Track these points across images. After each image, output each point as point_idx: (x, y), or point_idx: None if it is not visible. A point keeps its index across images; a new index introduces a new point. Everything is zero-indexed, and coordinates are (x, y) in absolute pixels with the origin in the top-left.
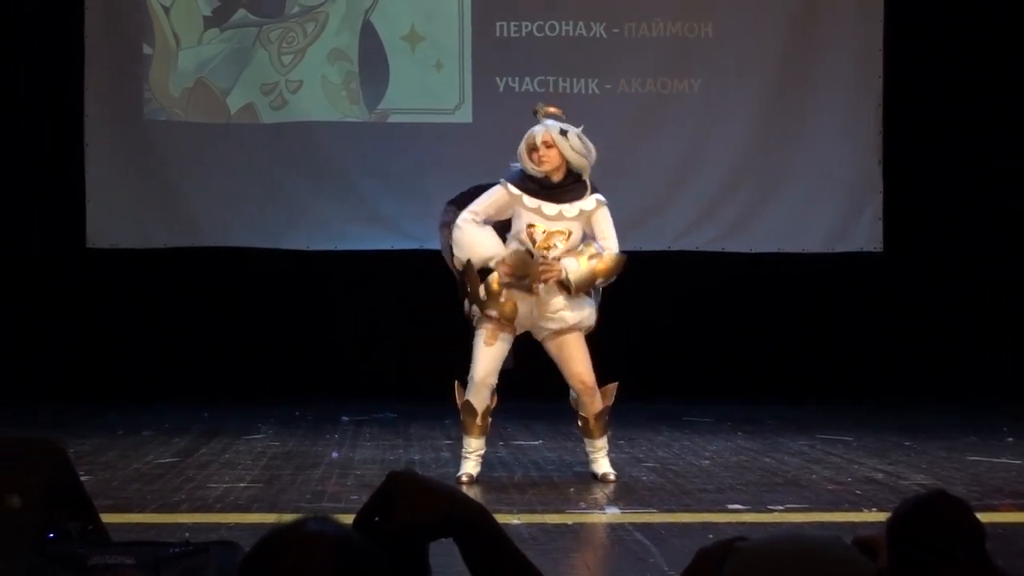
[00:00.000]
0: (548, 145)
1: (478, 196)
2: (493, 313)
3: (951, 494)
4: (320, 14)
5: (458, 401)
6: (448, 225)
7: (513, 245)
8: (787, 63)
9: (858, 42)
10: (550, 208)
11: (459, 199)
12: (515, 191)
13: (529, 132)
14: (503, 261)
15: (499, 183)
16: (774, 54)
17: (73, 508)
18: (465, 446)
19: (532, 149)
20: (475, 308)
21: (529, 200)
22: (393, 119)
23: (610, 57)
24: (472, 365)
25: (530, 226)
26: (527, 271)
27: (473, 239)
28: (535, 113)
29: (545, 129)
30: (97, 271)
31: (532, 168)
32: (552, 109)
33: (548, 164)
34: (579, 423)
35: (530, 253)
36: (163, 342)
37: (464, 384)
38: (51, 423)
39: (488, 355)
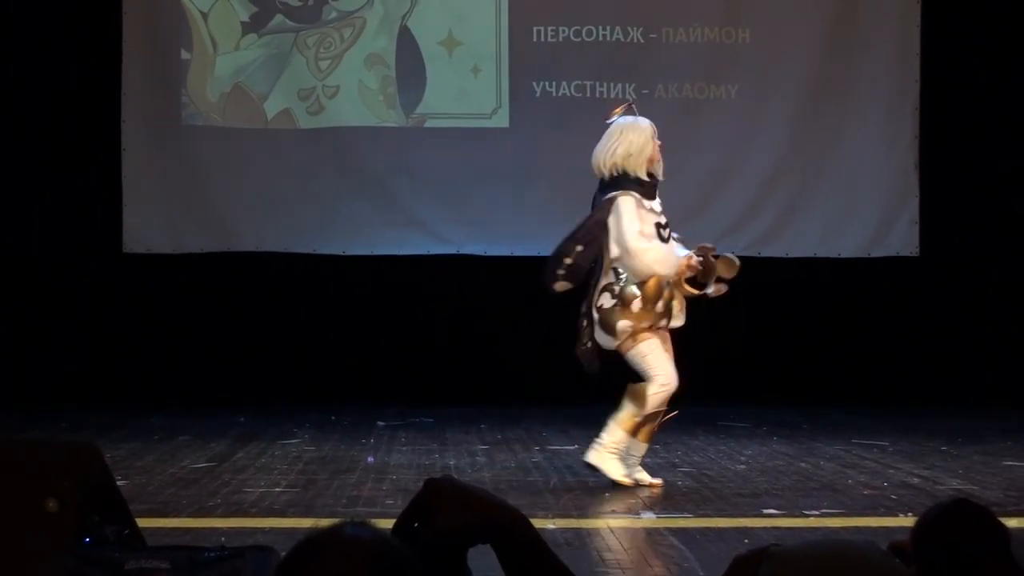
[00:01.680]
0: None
1: (588, 227)
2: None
3: (972, 501)
4: (357, 19)
5: (651, 407)
6: (567, 255)
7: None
8: (824, 68)
9: (895, 46)
10: (655, 204)
11: (580, 234)
12: (637, 195)
13: (642, 127)
14: (728, 265)
15: (627, 195)
16: (811, 59)
17: (109, 512)
18: (633, 449)
19: (651, 140)
20: (627, 324)
21: (646, 201)
22: (430, 124)
23: (647, 62)
24: (660, 373)
25: (659, 226)
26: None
27: (665, 252)
28: (614, 114)
29: (650, 123)
30: (134, 276)
31: (652, 165)
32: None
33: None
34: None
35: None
36: (199, 347)
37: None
38: (87, 427)
39: (670, 359)
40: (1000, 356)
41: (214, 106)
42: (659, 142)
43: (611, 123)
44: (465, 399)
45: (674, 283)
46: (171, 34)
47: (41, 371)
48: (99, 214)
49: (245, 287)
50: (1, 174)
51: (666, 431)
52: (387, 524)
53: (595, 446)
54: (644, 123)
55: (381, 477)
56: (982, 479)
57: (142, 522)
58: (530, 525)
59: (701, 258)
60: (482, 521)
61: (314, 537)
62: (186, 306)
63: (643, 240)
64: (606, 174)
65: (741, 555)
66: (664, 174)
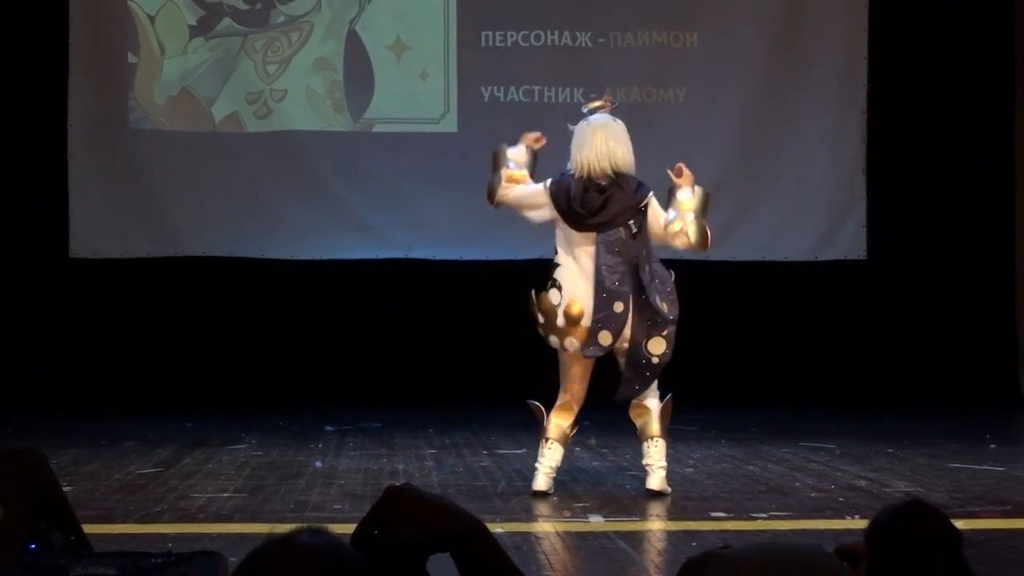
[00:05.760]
0: None
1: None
2: None
3: (927, 502)
4: (305, 23)
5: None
6: None
7: None
8: (772, 72)
9: (842, 51)
10: None
11: None
12: None
13: None
14: None
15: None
16: (759, 63)
17: (55, 518)
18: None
19: None
20: None
21: None
22: (378, 128)
23: (595, 66)
24: None
25: None
26: None
27: None
28: (601, 105)
29: None
30: (80, 280)
31: None
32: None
33: None
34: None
35: None
36: (146, 352)
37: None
38: (33, 433)
39: None
40: (946, 359)
41: (161, 110)
42: None
43: (598, 117)
44: (413, 403)
45: None
46: (118, 37)
47: None
48: (45, 219)
49: (193, 292)
50: None
51: (614, 434)
52: (337, 529)
53: (659, 472)
54: None
55: (329, 482)
56: (928, 481)
57: (88, 528)
58: (490, 535)
59: None
60: (442, 530)
61: (269, 544)
62: (133, 311)
63: None
64: (629, 171)
65: (692, 558)
66: None
